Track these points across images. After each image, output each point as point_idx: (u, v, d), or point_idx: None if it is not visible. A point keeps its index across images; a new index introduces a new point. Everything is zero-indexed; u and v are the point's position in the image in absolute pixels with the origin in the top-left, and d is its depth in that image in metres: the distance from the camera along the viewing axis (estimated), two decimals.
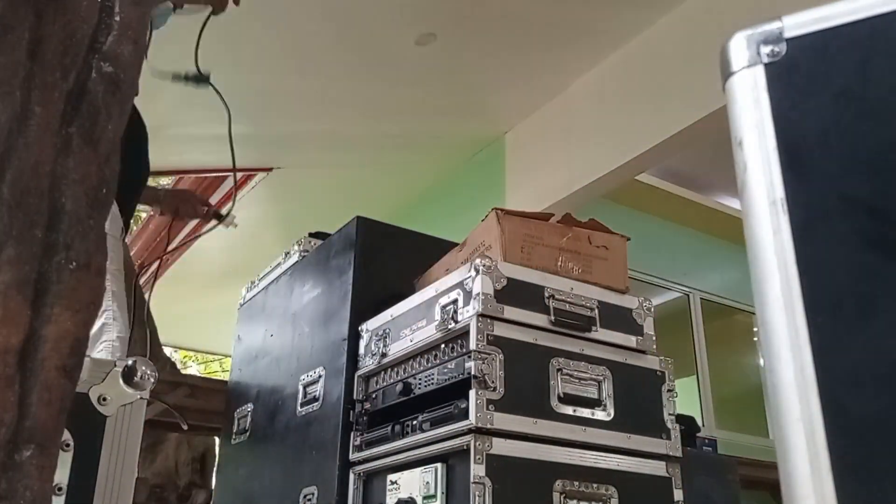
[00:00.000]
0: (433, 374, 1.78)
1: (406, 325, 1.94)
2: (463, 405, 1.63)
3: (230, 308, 3.32)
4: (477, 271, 1.74)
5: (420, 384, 1.82)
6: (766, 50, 0.67)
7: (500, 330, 1.70)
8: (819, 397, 0.58)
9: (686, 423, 3.59)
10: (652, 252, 5.46)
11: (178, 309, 6.56)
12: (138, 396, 0.92)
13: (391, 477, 1.81)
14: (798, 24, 0.67)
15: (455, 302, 1.78)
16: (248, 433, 2.59)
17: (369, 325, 2.08)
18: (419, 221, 3.73)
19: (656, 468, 1.82)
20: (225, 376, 4.26)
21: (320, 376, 2.20)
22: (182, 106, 4.25)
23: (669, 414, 1.88)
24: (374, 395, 1.98)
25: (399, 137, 4.79)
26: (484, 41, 3.80)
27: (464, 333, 1.71)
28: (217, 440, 3.16)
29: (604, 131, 3.96)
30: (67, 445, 0.85)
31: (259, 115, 4.49)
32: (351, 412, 2.02)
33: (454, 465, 1.64)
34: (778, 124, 0.65)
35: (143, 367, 0.93)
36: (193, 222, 3.07)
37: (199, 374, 9.43)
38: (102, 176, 0.60)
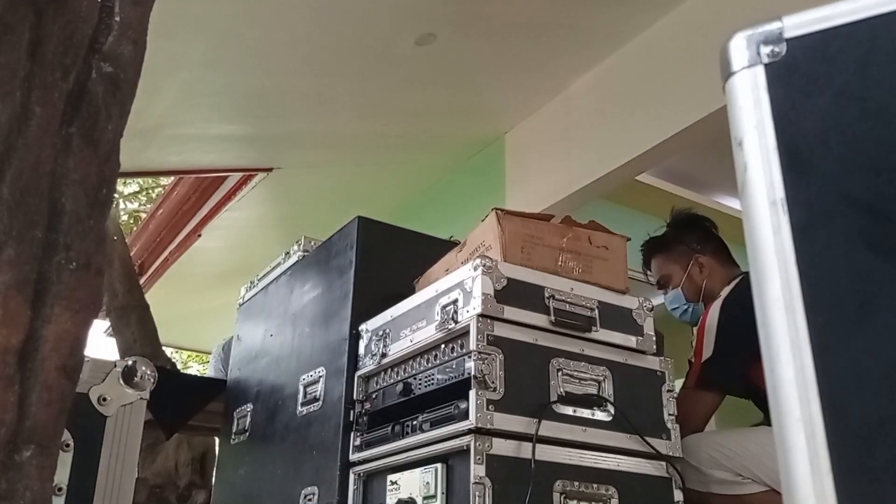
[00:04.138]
0: (433, 375, 1.78)
1: (406, 326, 1.94)
2: (463, 405, 1.63)
3: (230, 308, 3.32)
4: (477, 271, 1.74)
5: (420, 384, 1.82)
6: (766, 50, 0.67)
7: (501, 330, 1.70)
8: (819, 397, 0.58)
9: None
10: None
11: (178, 309, 6.55)
12: (138, 397, 0.92)
13: (391, 477, 1.81)
14: (798, 24, 0.67)
15: (455, 302, 1.78)
16: (247, 433, 2.59)
17: (369, 326, 2.08)
18: (419, 221, 3.73)
19: (656, 468, 1.82)
20: None
21: (321, 376, 2.20)
22: (182, 106, 4.24)
23: (669, 414, 1.87)
24: (374, 396, 1.98)
25: (399, 137, 4.78)
26: (484, 41, 3.80)
27: (464, 333, 1.71)
28: (217, 440, 3.16)
29: (604, 131, 3.95)
30: (67, 445, 0.85)
31: (259, 115, 4.48)
32: (351, 412, 2.02)
33: (454, 465, 1.64)
34: (778, 124, 0.65)
35: (143, 368, 0.93)
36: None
37: (199, 374, 9.42)
38: (102, 176, 0.60)
